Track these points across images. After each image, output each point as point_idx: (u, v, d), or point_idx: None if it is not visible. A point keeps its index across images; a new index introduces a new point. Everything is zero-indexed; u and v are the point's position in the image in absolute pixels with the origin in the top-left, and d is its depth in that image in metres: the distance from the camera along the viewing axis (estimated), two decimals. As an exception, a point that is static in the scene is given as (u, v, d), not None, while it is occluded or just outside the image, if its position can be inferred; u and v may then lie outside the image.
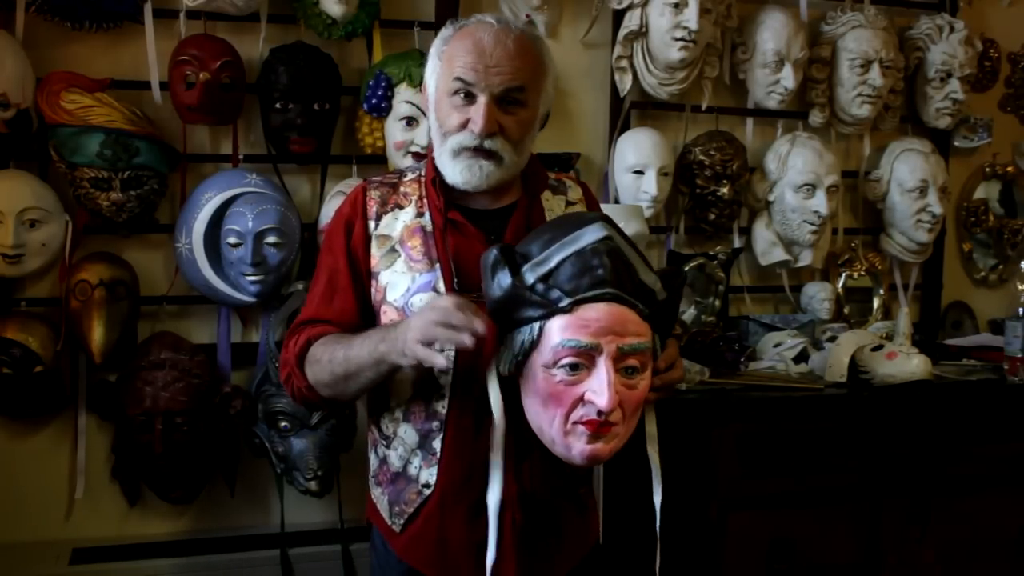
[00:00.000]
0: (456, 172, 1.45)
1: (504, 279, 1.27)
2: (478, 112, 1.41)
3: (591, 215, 1.34)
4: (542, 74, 1.48)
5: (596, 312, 1.24)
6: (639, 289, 1.29)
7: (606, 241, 1.27)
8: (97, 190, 2.19)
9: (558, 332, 1.25)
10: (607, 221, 1.30)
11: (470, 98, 1.43)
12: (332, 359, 1.42)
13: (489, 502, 1.34)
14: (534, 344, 1.27)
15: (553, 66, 1.52)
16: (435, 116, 1.48)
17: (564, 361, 1.25)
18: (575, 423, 1.26)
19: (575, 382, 1.25)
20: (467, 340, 1.25)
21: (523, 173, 1.53)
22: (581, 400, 1.25)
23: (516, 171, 1.49)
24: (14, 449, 2.33)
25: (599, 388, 1.23)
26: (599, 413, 1.23)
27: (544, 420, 1.28)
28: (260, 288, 2.29)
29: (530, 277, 1.27)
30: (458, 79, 1.42)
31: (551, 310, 1.26)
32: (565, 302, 1.25)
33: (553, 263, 1.27)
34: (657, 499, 1.39)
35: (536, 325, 1.27)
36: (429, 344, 1.28)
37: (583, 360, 1.25)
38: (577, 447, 1.26)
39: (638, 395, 1.29)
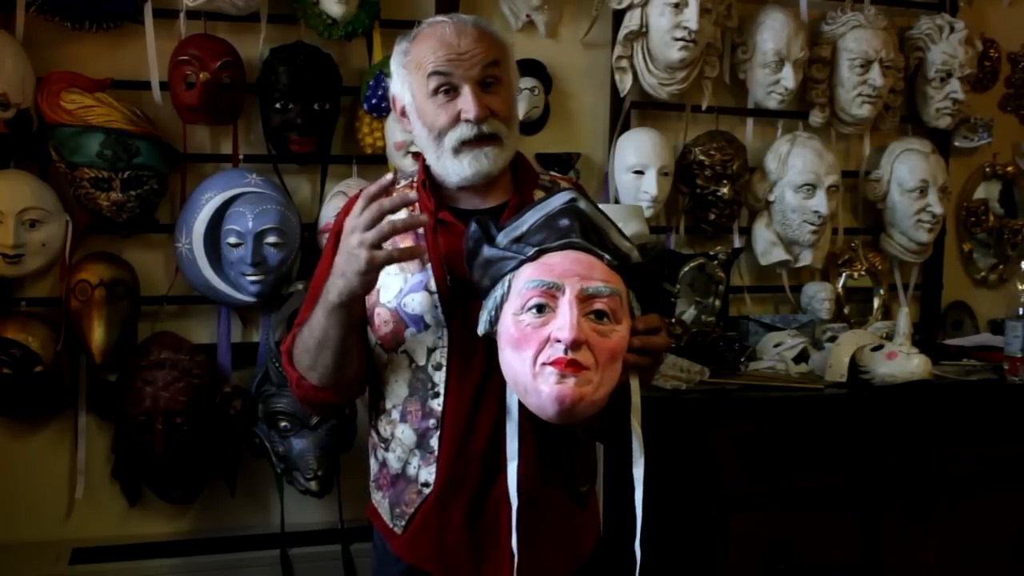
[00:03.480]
0: (464, 167, 1.45)
1: (480, 246, 1.34)
2: (466, 100, 1.42)
3: (562, 189, 1.41)
4: (506, 49, 1.50)
5: (560, 257, 1.30)
6: (610, 247, 1.33)
7: (573, 202, 1.34)
8: (97, 190, 2.19)
9: (524, 278, 1.30)
10: (579, 191, 1.38)
11: (452, 92, 1.43)
12: (303, 339, 1.44)
13: (510, 486, 1.36)
14: (505, 296, 1.32)
15: (507, 40, 1.53)
16: (421, 123, 1.48)
17: (530, 303, 1.27)
18: (543, 364, 1.26)
19: (542, 324, 1.27)
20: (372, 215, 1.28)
21: (513, 172, 1.54)
22: (548, 340, 1.26)
23: (514, 151, 1.51)
24: (14, 449, 2.33)
25: (562, 324, 1.24)
26: (565, 350, 1.24)
27: (516, 366, 1.29)
28: (260, 288, 2.29)
29: (503, 240, 1.34)
30: (435, 73, 1.43)
31: (520, 261, 1.31)
32: (531, 251, 1.31)
33: (524, 227, 1.35)
34: (638, 473, 1.38)
35: (507, 278, 1.32)
36: (377, 246, 1.29)
37: (548, 300, 1.27)
38: (546, 389, 1.25)
39: (611, 345, 1.28)
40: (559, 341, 1.24)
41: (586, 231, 1.32)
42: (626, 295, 1.33)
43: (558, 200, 1.35)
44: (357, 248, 1.29)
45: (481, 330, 1.35)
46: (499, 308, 1.32)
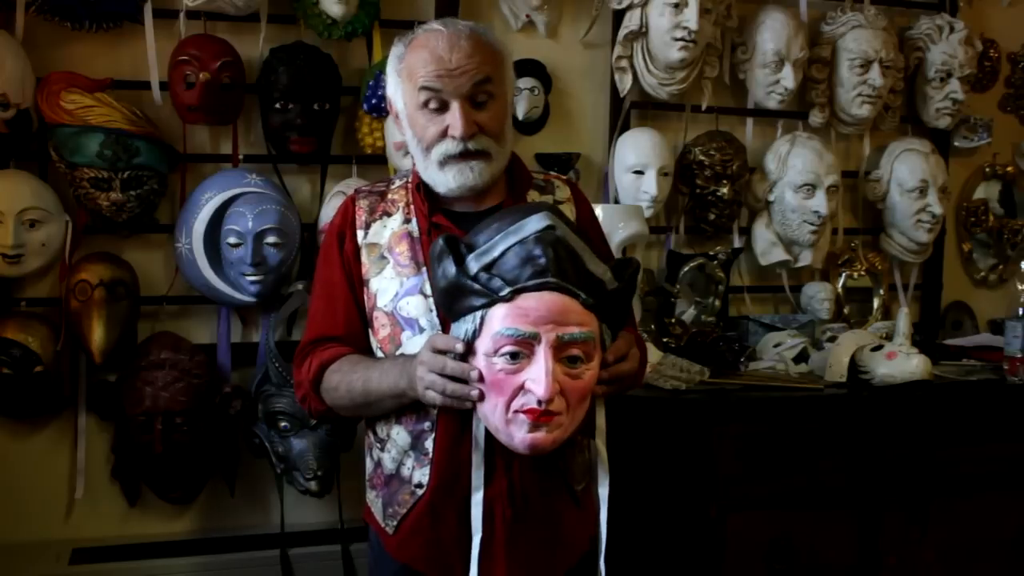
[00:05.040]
0: (449, 179, 1.46)
1: (448, 269, 1.29)
2: (454, 117, 1.42)
3: (537, 205, 1.35)
4: (501, 62, 1.49)
5: (536, 301, 1.26)
6: (584, 279, 1.30)
7: (549, 230, 1.28)
8: (97, 190, 2.19)
9: (498, 321, 1.26)
10: (553, 211, 1.31)
11: (442, 106, 1.44)
12: (351, 389, 1.46)
13: (474, 517, 1.39)
14: (477, 333, 1.29)
15: (508, 51, 1.53)
16: (412, 133, 1.49)
17: (504, 350, 1.26)
18: (516, 411, 1.26)
19: (516, 371, 1.26)
20: (474, 393, 1.30)
21: (507, 174, 1.54)
22: (521, 389, 1.26)
23: (504, 163, 1.51)
24: (14, 449, 2.33)
25: (537, 377, 1.24)
26: (539, 402, 1.24)
27: (487, 408, 1.29)
28: (260, 288, 2.29)
29: (473, 266, 1.29)
30: (424, 88, 1.43)
31: (492, 299, 1.27)
32: (505, 291, 1.26)
33: (496, 252, 1.29)
34: (603, 492, 1.39)
35: (478, 314, 1.29)
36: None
37: (523, 349, 1.25)
38: (518, 436, 1.26)
39: (582, 385, 1.29)
40: (532, 392, 1.24)
41: (561, 263, 1.27)
42: (599, 332, 1.32)
43: (532, 225, 1.29)
44: (419, 381, 1.34)
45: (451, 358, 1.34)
46: (470, 343, 1.30)
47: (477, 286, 1.28)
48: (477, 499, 1.38)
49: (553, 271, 1.26)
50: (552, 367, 1.24)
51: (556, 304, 1.26)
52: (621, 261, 1.38)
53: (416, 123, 1.47)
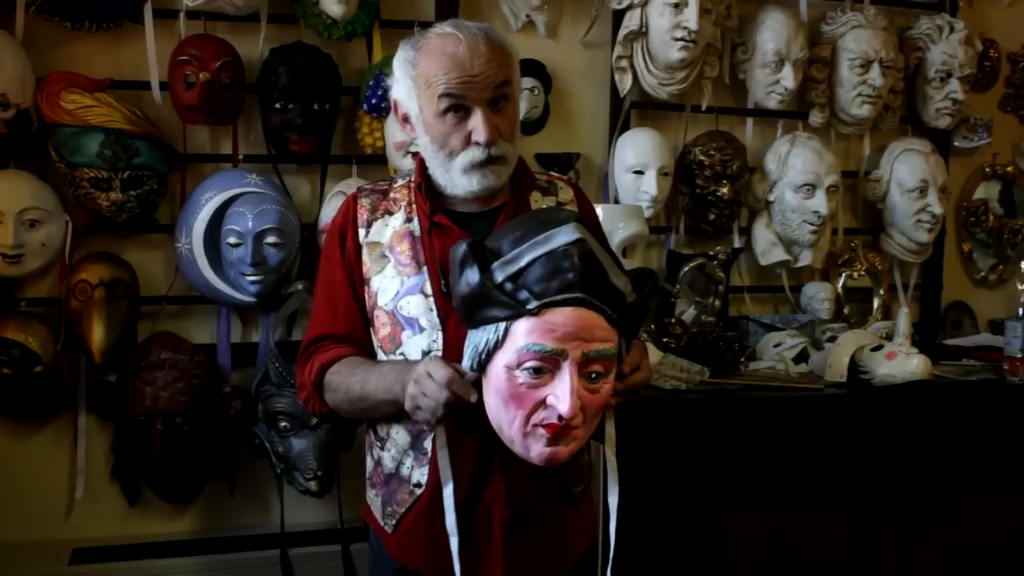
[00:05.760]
0: (473, 183, 1.46)
1: (472, 276, 1.26)
2: (478, 123, 1.42)
3: (564, 214, 1.32)
4: (513, 63, 1.49)
5: (563, 317, 1.23)
6: (608, 292, 1.28)
7: (579, 244, 1.25)
8: (97, 190, 2.19)
9: (524, 335, 1.24)
10: (580, 222, 1.29)
11: (462, 111, 1.43)
12: (349, 391, 1.46)
13: (447, 509, 1.39)
14: (499, 344, 1.27)
15: (517, 51, 1.53)
16: (429, 138, 1.47)
17: (528, 364, 1.24)
18: (535, 425, 1.25)
19: (538, 385, 1.24)
20: (440, 413, 1.32)
21: (511, 175, 1.54)
22: (543, 403, 1.25)
23: (515, 163, 1.52)
24: (14, 449, 2.33)
25: (562, 394, 1.23)
26: (560, 418, 1.23)
27: (504, 420, 1.28)
28: (260, 288, 2.29)
29: (499, 276, 1.26)
30: (447, 95, 1.42)
31: (518, 311, 1.25)
32: (532, 304, 1.24)
33: (523, 263, 1.26)
34: (613, 501, 1.39)
35: (502, 325, 1.26)
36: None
37: (547, 364, 1.24)
38: (536, 449, 1.26)
39: (600, 399, 1.29)
40: (555, 408, 1.23)
41: (588, 278, 1.25)
42: (619, 346, 1.31)
43: (561, 237, 1.26)
44: (410, 398, 1.34)
45: (465, 366, 1.32)
46: (490, 352, 1.28)
47: (503, 297, 1.25)
48: (448, 491, 1.38)
49: (581, 285, 1.24)
50: (576, 385, 1.23)
51: (583, 320, 1.24)
52: (640, 273, 1.36)
53: (435, 129, 1.45)
